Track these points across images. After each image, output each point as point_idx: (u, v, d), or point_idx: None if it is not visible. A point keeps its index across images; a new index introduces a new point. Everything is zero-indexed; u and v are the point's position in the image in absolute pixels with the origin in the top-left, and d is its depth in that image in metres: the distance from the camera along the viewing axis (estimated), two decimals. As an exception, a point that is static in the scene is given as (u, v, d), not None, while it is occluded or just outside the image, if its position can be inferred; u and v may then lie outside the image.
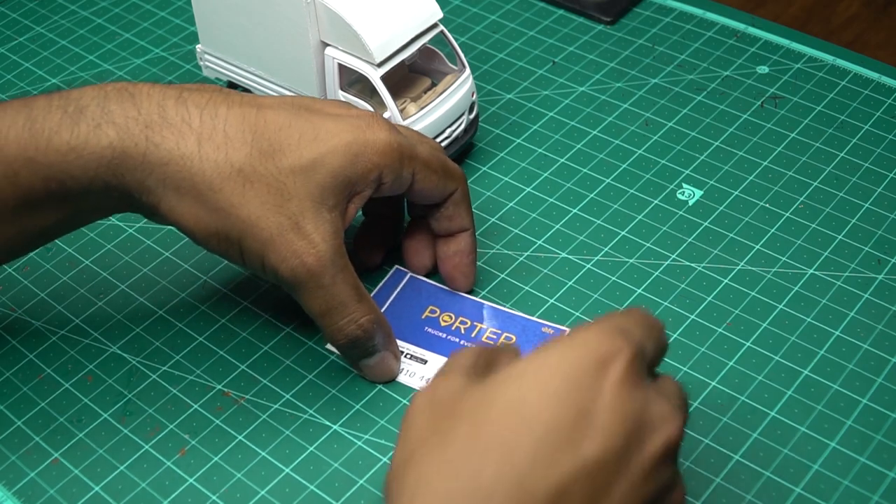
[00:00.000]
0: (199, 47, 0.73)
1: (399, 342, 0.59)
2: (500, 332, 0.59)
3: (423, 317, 0.61)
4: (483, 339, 0.59)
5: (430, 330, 0.60)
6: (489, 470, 0.41)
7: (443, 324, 0.60)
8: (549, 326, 0.59)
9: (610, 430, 0.42)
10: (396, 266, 0.63)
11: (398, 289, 0.62)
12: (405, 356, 0.59)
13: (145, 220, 0.68)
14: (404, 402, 0.58)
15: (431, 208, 0.60)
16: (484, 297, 0.62)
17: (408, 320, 0.60)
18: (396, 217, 0.64)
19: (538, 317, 0.61)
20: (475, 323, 0.60)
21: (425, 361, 0.59)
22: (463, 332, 0.60)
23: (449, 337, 0.60)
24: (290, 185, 0.53)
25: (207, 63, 0.73)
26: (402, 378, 0.58)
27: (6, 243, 0.56)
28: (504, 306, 0.61)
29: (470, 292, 0.62)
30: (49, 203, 0.54)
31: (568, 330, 0.58)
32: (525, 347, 0.54)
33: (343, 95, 0.66)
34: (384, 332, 0.57)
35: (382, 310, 0.60)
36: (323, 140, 0.54)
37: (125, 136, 0.53)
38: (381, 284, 0.63)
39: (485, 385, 0.44)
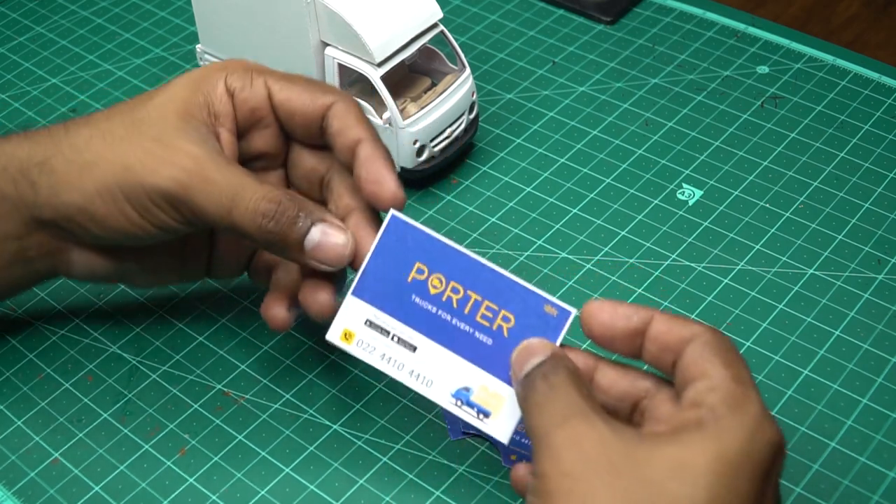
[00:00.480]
0: (199, 47, 0.73)
1: (382, 316, 0.51)
2: (497, 307, 0.50)
3: (410, 279, 0.51)
4: (478, 318, 0.50)
5: (417, 300, 0.51)
6: None
7: (432, 291, 0.50)
8: (553, 305, 0.49)
9: None
10: (393, 213, 0.52)
11: (380, 234, 0.51)
12: (391, 338, 0.51)
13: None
14: (404, 401, 0.58)
15: (317, 142, 0.54)
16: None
17: (392, 284, 0.51)
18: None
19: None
20: (468, 292, 0.50)
21: (414, 349, 0.50)
22: (455, 305, 0.50)
23: (439, 312, 0.50)
24: (148, 118, 0.53)
25: (207, 63, 0.73)
26: (388, 369, 0.50)
27: None
28: (503, 269, 0.50)
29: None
30: None
31: (574, 312, 0.49)
32: (525, 333, 0.49)
33: None
34: (301, 203, 0.51)
35: (364, 265, 0.51)
36: (171, 84, 0.54)
37: (15, 140, 0.55)
38: (377, 240, 0.52)
39: (650, 450, 0.42)
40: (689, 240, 0.65)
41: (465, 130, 0.69)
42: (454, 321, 0.50)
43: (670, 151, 0.70)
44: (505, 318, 0.50)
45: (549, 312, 0.49)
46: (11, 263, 0.56)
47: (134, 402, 0.59)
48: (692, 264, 0.64)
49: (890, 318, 0.60)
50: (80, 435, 0.57)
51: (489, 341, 0.49)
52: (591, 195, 0.68)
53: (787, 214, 0.66)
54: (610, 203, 0.67)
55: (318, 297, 0.53)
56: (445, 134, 0.67)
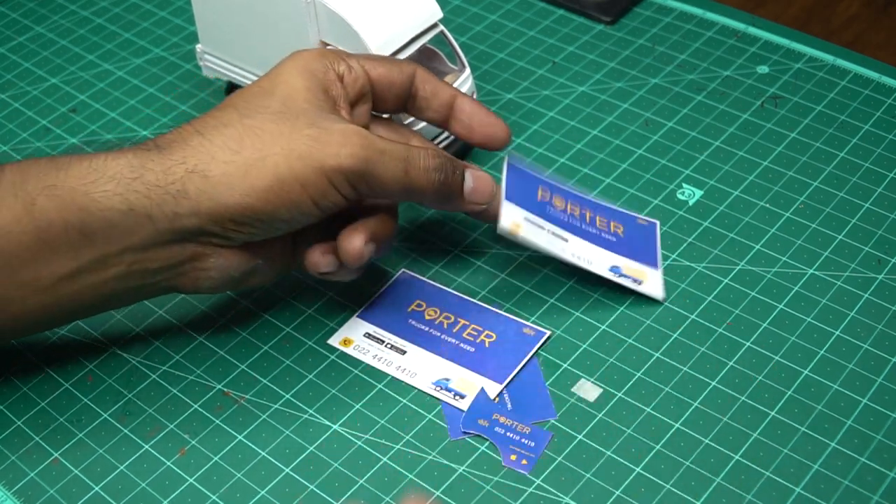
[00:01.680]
0: (199, 47, 0.73)
1: (380, 331, 0.61)
2: (481, 329, 0.60)
3: (410, 310, 0.62)
4: (464, 335, 0.60)
5: (413, 322, 0.61)
6: None
7: (427, 318, 0.61)
8: (531, 328, 0.60)
9: None
10: (403, 270, 0.64)
11: (388, 283, 0.63)
12: (384, 345, 0.60)
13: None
14: (404, 401, 0.58)
15: (411, 104, 0.61)
16: (483, 298, 0.62)
17: (393, 312, 0.62)
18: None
19: (537, 317, 0.61)
20: (458, 318, 0.61)
21: (404, 352, 0.60)
22: (445, 326, 0.60)
23: (431, 330, 0.60)
24: (289, 111, 0.55)
25: (207, 63, 0.73)
26: (378, 364, 0.59)
27: (32, 313, 0.55)
28: (493, 307, 0.62)
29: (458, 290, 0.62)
30: (69, 245, 0.53)
31: (549, 333, 0.60)
32: (504, 347, 0.59)
33: None
34: (447, 156, 0.57)
35: (370, 301, 0.62)
36: (280, 71, 0.58)
37: (141, 153, 0.54)
38: (386, 285, 0.63)
39: None
40: (689, 240, 0.65)
41: None
42: (443, 337, 0.60)
43: (670, 151, 0.70)
44: (488, 336, 0.60)
45: (528, 333, 0.60)
46: (127, 275, 0.55)
47: (134, 402, 0.59)
48: (692, 264, 0.64)
49: (890, 318, 0.60)
50: (80, 435, 0.57)
51: (472, 349, 0.59)
52: (591, 195, 0.68)
53: (787, 214, 0.66)
54: (610, 203, 0.67)
55: (353, 241, 0.56)
56: (445, 134, 0.67)
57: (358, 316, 0.62)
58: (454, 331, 0.60)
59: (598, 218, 0.63)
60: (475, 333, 0.60)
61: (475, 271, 0.64)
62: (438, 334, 0.60)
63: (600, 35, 0.80)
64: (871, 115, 0.72)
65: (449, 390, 0.58)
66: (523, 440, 0.55)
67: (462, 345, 0.60)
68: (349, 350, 0.60)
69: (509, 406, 0.57)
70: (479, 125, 0.61)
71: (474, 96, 0.68)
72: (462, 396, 0.57)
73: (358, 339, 0.61)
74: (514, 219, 0.59)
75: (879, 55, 0.77)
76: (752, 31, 0.78)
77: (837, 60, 0.76)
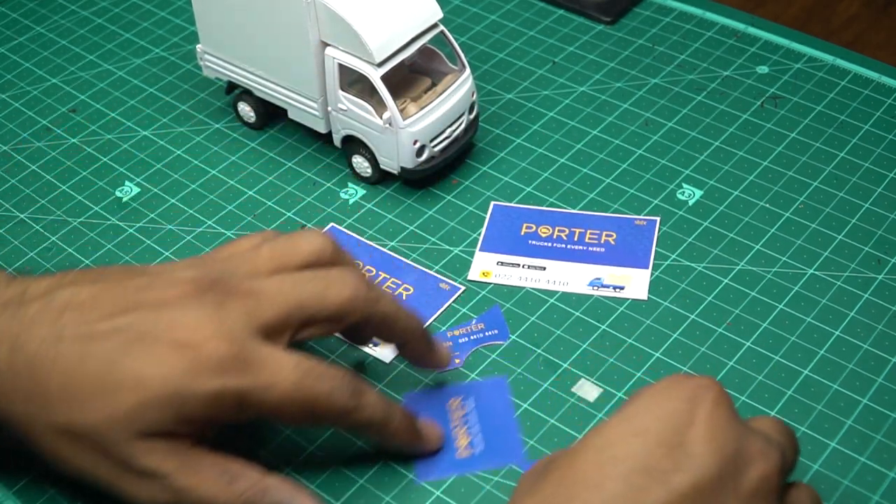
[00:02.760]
0: (199, 47, 0.73)
1: None
2: (400, 282, 0.63)
3: None
4: (384, 287, 0.63)
5: None
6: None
7: None
8: (446, 282, 0.63)
9: (703, 461, 0.41)
10: (332, 224, 0.65)
11: None
12: None
13: (145, 220, 0.68)
14: (404, 402, 0.58)
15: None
16: (483, 297, 0.62)
17: None
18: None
19: (537, 317, 0.61)
20: (379, 272, 0.64)
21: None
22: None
23: None
24: (109, 436, 0.48)
25: (207, 63, 0.73)
26: None
27: None
28: (407, 260, 0.64)
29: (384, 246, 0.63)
30: None
31: (463, 288, 0.63)
32: (422, 300, 0.62)
33: (343, 95, 0.66)
34: (279, 498, 0.50)
35: None
36: (141, 382, 0.48)
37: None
38: None
39: (575, 446, 0.44)
40: (689, 240, 0.65)
41: (465, 130, 0.69)
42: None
43: (670, 151, 0.70)
44: (405, 290, 0.63)
45: (443, 288, 0.63)
46: None
47: (134, 402, 0.59)
48: (692, 264, 0.63)
49: (890, 318, 0.60)
50: (80, 435, 0.57)
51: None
52: (591, 195, 0.68)
53: (787, 214, 0.66)
54: (610, 203, 0.67)
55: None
56: (445, 134, 0.67)
57: None
58: (376, 283, 0.58)
59: (588, 232, 0.65)
60: (394, 286, 0.63)
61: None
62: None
63: (600, 35, 0.79)
64: (871, 115, 0.72)
65: None
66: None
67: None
68: None
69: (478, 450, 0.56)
70: (423, 365, 0.57)
71: (474, 97, 0.68)
72: (375, 344, 0.59)
73: None
74: (482, 268, 0.64)
75: (879, 55, 0.77)
76: (752, 31, 0.78)
77: (837, 60, 0.76)
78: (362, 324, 0.53)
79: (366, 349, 0.60)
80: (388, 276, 0.64)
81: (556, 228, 0.66)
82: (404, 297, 0.62)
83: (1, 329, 0.49)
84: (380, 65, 0.64)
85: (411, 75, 0.68)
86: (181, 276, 0.50)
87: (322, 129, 0.70)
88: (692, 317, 0.61)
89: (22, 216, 0.69)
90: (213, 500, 0.48)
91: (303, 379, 0.49)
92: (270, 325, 0.50)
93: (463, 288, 0.63)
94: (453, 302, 0.62)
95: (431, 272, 0.64)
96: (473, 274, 0.64)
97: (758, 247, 0.64)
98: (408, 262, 0.65)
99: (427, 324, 0.61)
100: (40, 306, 0.49)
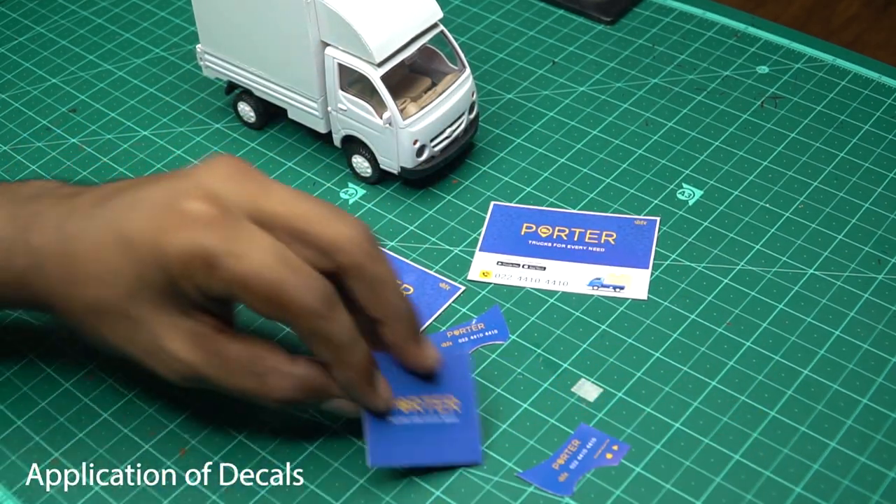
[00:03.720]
0: (199, 47, 0.73)
1: None
2: (399, 282, 0.57)
3: None
4: None
5: None
6: None
7: None
8: (446, 282, 0.63)
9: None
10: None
11: None
12: None
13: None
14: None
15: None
16: (483, 297, 0.62)
17: None
18: None
19: (536, 317, 0.61)
20: None
21: None
22: None
23: None
24: (133, 312, 0.51)
25: (207, 63, 0.73)
26: None
27: None
28: (407, 259, 0.64)
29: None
30: None
31: (463, 288, 0.63)
32: (422, 300, 0.62)
33: (343, 95, 0.66)
34: (313, 392, 0.52)
35: None
36: (133, 248, 0.50)
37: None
38: None
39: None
40: (689, 240, 0.65)
41: (465, 130, 0.69)
42: None
43: (670, 151, 0.70)
44: (405, 289, 0.60)
45: (443, 288, 0.63)
46: None
47: (134, 402, 0.59)
48: (692, 264, 0.63)
49: (890, 318, 0.60)
50: (80, 435, 0.57)
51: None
52: (591, 195, 0.68)
53: (787, 214, 0.66)
54: (610, 203, 0.67)
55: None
56: (445, 134, 0.67)
57: None
58: None
59: (588, 232, 0.65)
60: None
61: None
62: None
63: (600, 35, 0.79)
64: (871, 115, 0.72)
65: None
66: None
67: None
68: None
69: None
70: (404, 357, 0.54)
71: (474, 96, 0.69)
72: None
73: None
74: (483, 268, 0.64)
75: (879, 55, 0.77)
76: (752, 31, 0.78)
77: (837, 60, 0.76)
78: (350, 279, 0.51)
79: None
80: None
81: (556, 228, 0.66)
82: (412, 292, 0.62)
83: (51, 216, 0.53)
84: (380, 65, 0.64)
85: (411, 75, 0.68)
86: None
87: (322, 129, 0.70)
88: (692, 317, 0.61)
89: (22, 216, 0.69)
90: (242, 393, 0.52)
91: (277, 262, 0.49)
92: (266, 217, 0.50)
93: (463, 288, 0.63)
94: (453, 302, 0.62)
95: (432, 272, 0.64)
96: (473, 274, 0.64)
97: (758, 247, 0.64)
98: (408, 262, 0.65)
99: (427, 324, 0.61)
100: (88, 198, 0.53)
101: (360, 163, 0.69)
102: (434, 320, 0.61)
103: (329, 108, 0.68)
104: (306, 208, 0.51)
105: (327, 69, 0.66)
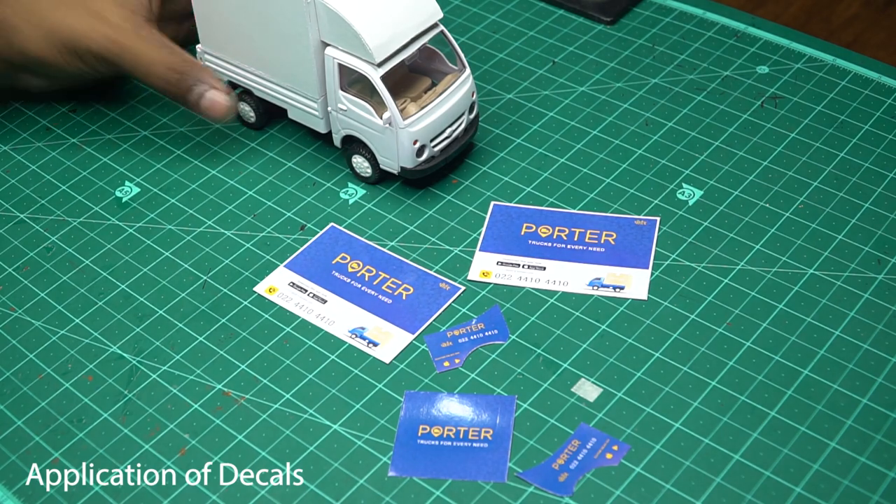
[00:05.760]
0: (199, 47, 0.73)
1: (304, 280, 0.64)
2: (400, 282, 0.64)
3: (334, 262, 0.65)
4: (384, 287, 0.63)
5: (336, 274, 0.64)
6: None
7: (350, 270, 0.64)
8: (446, 282, 0.63)
9: None
10: (332, 224, 0.67)
11: (317, 235, 0.67)
12: (307, 294, 0.63)
13: (145, 220, 0.68)
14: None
15: None
16: (483, 297, 0.62)
17: (318, 264, 0.65)
18: None
19: (536, 317, 0.61)
20: (380, 272, 0.64)
21: (325, 301, 0.63)
22: (367, 279, 0.64)
23: (352, 282, 0.64)
24: None
25: (207, 63, 0.73)
26: (299, 312, 0.62)
27: None
28: (407, 259, 0.65)
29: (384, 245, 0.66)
30: None
31: (463, 288, 0.63)
32: (421, 299, 0.62)
33: (343, 95, 0.66)
34: (196, 71, 0.69)
35: (295, 254, 0.66)
36: None
37: None
38: (312, 239, 0.66)
39: None
40: (689, 240, 0.65)
41: (465, 130, 0.69)
42: (363, 288, 0.63)
43: (670, 151, 0.70)
44: (406, 289, 0.63)
45: (443, 288, 0.63)
46: None
47: (134, 402, 0.59)
48: (692, 264, 0.64)
49: (890, 318, 0.60)
50: (80, 435, 0.57)
51: (389, 301, 0.62)
52: (591, 195, 0.68)
53: (787, 214, 0.66)
54: (610, 203, 0.67)
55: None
56: (445, 134, 0.67)
57: (285, 266, 0.65)
58: (374, 283, 0.63)
59: (588, 232, 0.65)
60: (394, 286, 0.63)
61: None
62: (359, 286, 0.63)
63: (600, 35, 0.80)
64: (871, 115, 0.72)
65: (363, 338, 0.61)
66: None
67: (381, 296, 0.63)
68: (274, 297, 0.63)
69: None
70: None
71: (474, 96, 0.69)
72: (375, 344, 0.60)
73: (283, 287, 0.64)
74: (483, 268, 0.64)
75: (879, 55, 0.77)
76: (752, 31, 0.78)
77: (837, 60, 0.76)
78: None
79: (365, 349, 0.60)
80: (389, 276, 0.64)
81: (556, 228, 0.66)
82: (404, 298, 0.62)
83: None
84: (380, 65, 0.64)
85: (411, 75, 0.68)
86: None
87: (322, 129, 0.70)
88: (692, 317, 0.61)
89: (22, 216, 0.69)
90: (151, 62, 0.69)
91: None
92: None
93: (463, 288, 0.63)
94: (453, 302, 0.62)
95: (431, 272, 0.64)
96: (473, 274, 0.64)
97: (758, 247, 0.64)
98: (408, 262, 0.65)
99: (427, 323, 0.61)
100: None
101: (360, 163, 0.69)
102: (434, 320, 0.61)
103: (329, 108, 0.68)
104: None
105: (327, 69, 0.66)
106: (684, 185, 0.68)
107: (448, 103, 0.67)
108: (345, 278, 0.64)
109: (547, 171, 0.70)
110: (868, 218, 0.65)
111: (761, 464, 0.54)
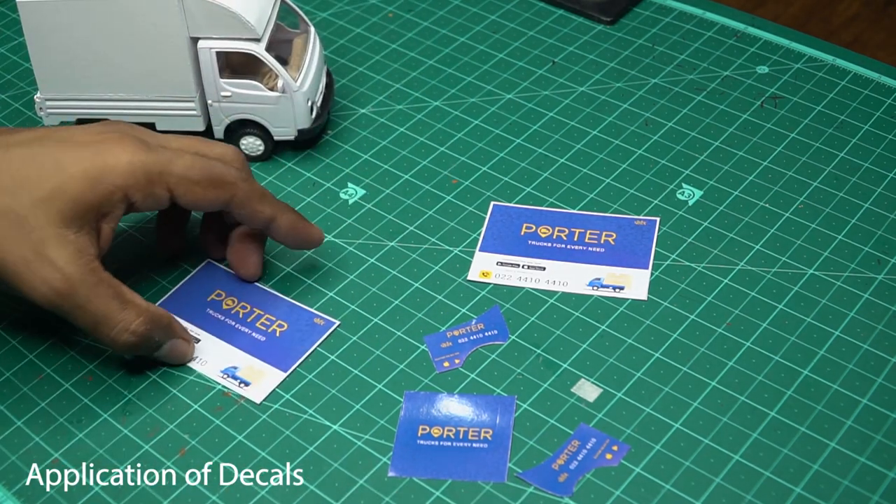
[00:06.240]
0: (37, 97, 0.71)
1: (181, 321, 0.61)
2: (274, 318, 0.62)
3: (209, 299, 0.63)
4: (258, 324, 0.62)
5: (210, 312, 0.63)
6: None
7: (224, 307, 0.63)
8: (321, 317, 0.62)
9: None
10: (208, 261, 0.66)
11: (193, 272, 0.65)
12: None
13: (145, 220, 0.68)
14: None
15: (225, 214, 0.62)
16: (483, 297, 0.62)
17: (192, 302, 0.63)
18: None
19: (536, 317, 0.61)
20: (254, 308, 0.63)
21: (198, 340, 0.61)
22: (241, 316, 0.62)
23: (226, 320, 0.62)
24: (31, 218, 0.55)
25: (50, 111, 0.71)
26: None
27: None
28: (286, 297, 0.63)
29: (259, 281, 0.64)
30: None
31: (337, 322, 0.61)
32: (293, 336, 0.61)
33: (224, 83, 0.68)
34: (161, 326, 0.58)
35: (170, 292, 0.64)
36: (63, 169, 0.56)
37: None
38: (191, 274, 0.65)
39: None
40: (689, 240, 0.65)
41: (328, 84, 0.72)
42: (237, 326, 0.62)
43: (670, 151, 0.70)
44: (280, 325, 0.62)
45: (318, 323, 0.61)
46: None
47: (134, 402, 0.59)
48: (692, 264, 0.64)
49: (890, 318, 0.60)
50: (80, 435, 0.57)
51: (263, 339, 0.61)
52: (591, 195, 0.68)
53: (787, 214, 0.66)
54: (610, 203, 0.67)
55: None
56: (320, 89, 0.71)
57: (160, 304, 0.63)
58: (248, 320, 0.62)
59: (588, 232, 0.65)
60: (268, 323, 0.62)
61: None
62: (233, 323, 0.62)
63: (600, 35, 0.80)
64: (871, 115, 0.72)
65: (235, 378, 0.59)
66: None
67: (254, 334, 0.61)
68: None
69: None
70: (294, 239, 0.63)
71: (320, 52, 0.70)
72: (247, 384, 0.59)
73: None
74: (482, 268, 0.64)
75: (879, 55, 0.77)
76: (752, 31, 0.78)
77: (837, 60, 0.76)
78: (238, 192, 0.60)
79: (237, 389, 0.59)
80: (263, 312, 0.62)
81: (556, 228, 0.66)
82: (278, 334, 0.61)
83: None
84: (261, 39, 0.66)
85: (272, 47, 0.69)
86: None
87: (200, 127, 0.70)
88: (692, 317, 0.61)
89: (22, 216, 0.69)
90: (102, 317, 0.56)
91: (198, 146, 0.60)
92: (174, 148, 0.60)
93: (338, 322, 0.61)
94: (453, 302, 0.62)
95: (307, 307, 0.63)
96: (473, 274, 0.64)
97: (758, 247, 0.64)
98: (283, 297, 0.63)
99: (298, 362, 0.60)
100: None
101: (250, 143, 0.70)
102: (308, 357, 0.60)
103: (210, 101, 0.69)
104: (194, 141, 0.61)
105: (203, 62, 0.67)
106: (684, 185, 0.68)
107: (315, 59, 0.70)
108: (219, 316, 0.62)
109: (547, 171, 0.70)
110: (868, 218, 0.65)
111: (761, 464, 0.54)
